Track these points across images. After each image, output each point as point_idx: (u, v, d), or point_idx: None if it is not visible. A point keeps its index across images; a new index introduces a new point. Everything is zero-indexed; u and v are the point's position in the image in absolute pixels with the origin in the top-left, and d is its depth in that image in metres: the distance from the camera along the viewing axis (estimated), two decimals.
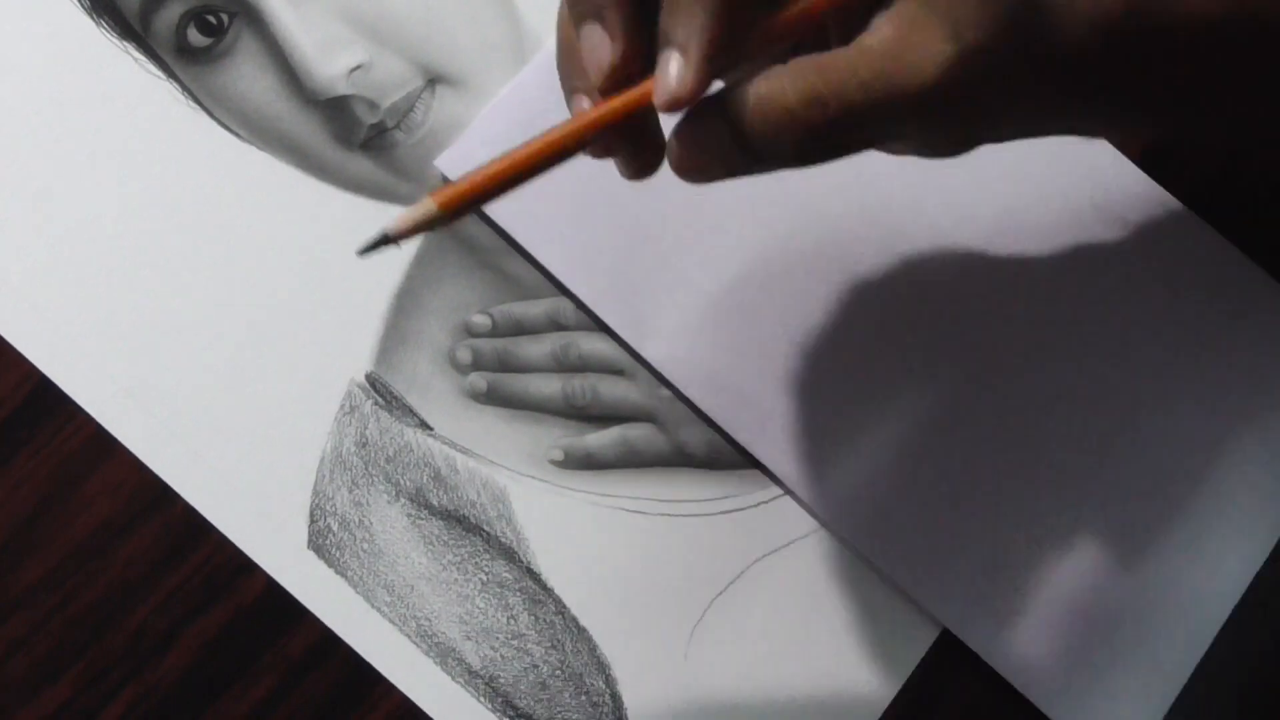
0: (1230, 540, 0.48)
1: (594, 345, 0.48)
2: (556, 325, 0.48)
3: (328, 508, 0.45)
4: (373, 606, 0.44)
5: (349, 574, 0.44)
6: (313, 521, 0.45)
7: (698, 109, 0.36)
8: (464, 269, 0.48)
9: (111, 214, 0.46)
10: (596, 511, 0.46)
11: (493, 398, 0.47)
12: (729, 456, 0.47)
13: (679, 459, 0.47)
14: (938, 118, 0.36)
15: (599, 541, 0.46)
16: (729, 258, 0.48)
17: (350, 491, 0.45)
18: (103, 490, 0.44)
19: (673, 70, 0.35)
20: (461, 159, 0.47)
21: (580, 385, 0.47)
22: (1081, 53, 0.37)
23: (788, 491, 0.47)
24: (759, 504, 0.47)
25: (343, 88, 0.46)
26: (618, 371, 0.48)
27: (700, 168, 0.37)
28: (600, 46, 0.36)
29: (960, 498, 0.47)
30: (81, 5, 0.47)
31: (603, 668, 0.45)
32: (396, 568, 0.45)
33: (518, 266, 0.48)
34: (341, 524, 0.45)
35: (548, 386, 0.47)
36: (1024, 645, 0.46)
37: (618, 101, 0.36)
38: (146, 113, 0.47)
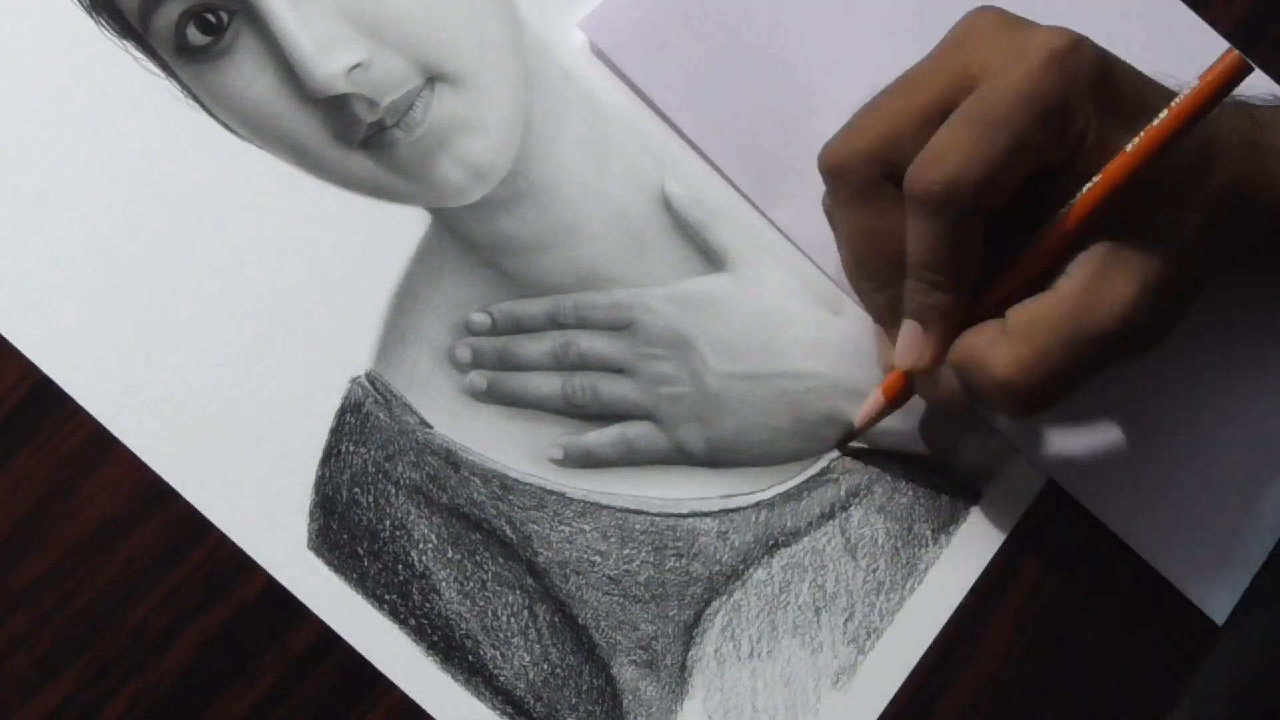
0: None
1: (593, 343, 0.48)
2: (556, 324, 0.48)
3: (328, 506, 0.45)
4: (373, 605, 0.44)
5: (349, 572, 0.44)
6: (312, 520, 0.45)
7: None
8: (464, 267, 0.48)
9: (111, 212, 0.46)
10: (596, 510, 0.46)
11: (492, 396, 0.47)
12: (728, 454, 0.47)
13: (678, 457, 0.47)
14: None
15: (599, 540, 0.46)
16: None
17: (350, 490, 0.45)
18: (103, 488, 0.44)
19: (915, 343, 0.44)
20: (604, 22, 0.50)
21: (580, 383, 0.47)
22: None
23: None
24: (758, 501, 0.47)
25: (342, 86, 0.46)
26: (617, 370, 0.48)
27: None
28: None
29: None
30: (81, 3, 0.47)
31: (603, 665, 0.45)
32: (396, 566, 0.45)
33: (517, 265, 0.48)
34: (341, 523, 0.45)
35: (547, 385, 0.47)
36: (1128, 496, 0.49)
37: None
38: (146, 111, 0.47)
